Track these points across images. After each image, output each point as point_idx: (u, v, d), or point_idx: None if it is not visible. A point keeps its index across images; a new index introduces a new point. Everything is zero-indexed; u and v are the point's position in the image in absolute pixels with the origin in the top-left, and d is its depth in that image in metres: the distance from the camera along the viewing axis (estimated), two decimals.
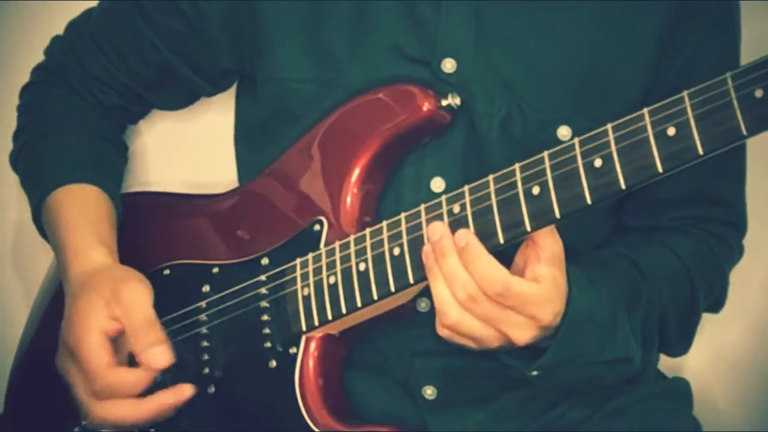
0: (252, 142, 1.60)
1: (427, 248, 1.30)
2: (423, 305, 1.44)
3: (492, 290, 1.26)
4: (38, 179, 1.59)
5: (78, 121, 1.63)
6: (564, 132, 1.42)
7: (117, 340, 1.42)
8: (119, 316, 1.40)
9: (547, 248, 1.28)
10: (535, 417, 1.51)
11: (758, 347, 1.74)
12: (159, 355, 1.39)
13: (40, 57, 1.69)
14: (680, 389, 1.59)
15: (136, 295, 1.41)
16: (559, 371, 1.36)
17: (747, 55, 1.46)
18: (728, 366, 1.76)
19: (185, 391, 1.41)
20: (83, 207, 1.53)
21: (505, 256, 1.31)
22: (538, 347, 1.33)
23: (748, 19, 1.49)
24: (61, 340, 1.45)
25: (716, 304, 1.55)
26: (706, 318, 1.54)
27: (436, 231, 1.30)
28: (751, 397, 1.74)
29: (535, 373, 1.35)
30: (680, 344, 1.53)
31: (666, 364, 1.58)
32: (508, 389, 1.49)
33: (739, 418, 1.74)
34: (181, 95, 1.67)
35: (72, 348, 1.41)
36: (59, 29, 1.68)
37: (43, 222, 1.58)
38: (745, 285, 1.57)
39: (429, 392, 1.48)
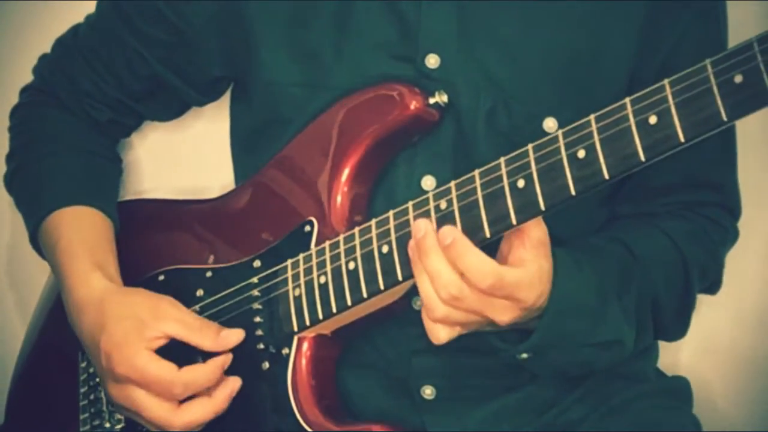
0: (246, 147, 1.60)
1: (412, 243, 1.30)
2: (419, 303, 1.42)
3: (484, 284, 1.26)
4: (34, 203, 1.60)
5: (71, 139, 1.63)
6: (550, 124, 1.42)
7: None
8: (167, 329, 1.44)
9: (533, 236, 1.28)
10: (534, 416, 1.50)
11: (758, 347, 1.73)
12: (231, 335, 1.44)
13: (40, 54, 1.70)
14: (680, 387, 1.58)
15: (176, 306, 1.46)
16: (549, 354, 1.35)
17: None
18: (728, 366, 1.75)
19: (238, 380, 1.45)
20: (79, 231, 1.55)
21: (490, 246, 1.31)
22: (527, 331, 1.33)
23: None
24: (108, 376, 1.45)
25: (712, 286, 1.54)
26: (706, 317, 1.54)
27: (420, 228, 1.29)
28: (751, 396, 1.74)
29: (525, 356, 1.35)
30: (676, 328, 1.52)
31: (665, 363, 1.58)
32: (508, 389, 1.49)
33: (739, 418, 1.74)
34: (172, 106, 1.67)
35: (131, 376, 1.43)
36: (57, 34, 1.68)
37: (41, 246, 1.59)
38: (745, 285, 1.56)
39: (428, 392, 1.48)
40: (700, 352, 1.69)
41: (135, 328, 1.44)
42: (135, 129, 1.73)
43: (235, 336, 1.45)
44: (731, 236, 1.55)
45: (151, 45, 1.58)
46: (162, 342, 1.44)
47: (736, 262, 1.55)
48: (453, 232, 1.27)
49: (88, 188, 1.60)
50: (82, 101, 1.64)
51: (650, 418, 1.50)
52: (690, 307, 1.50)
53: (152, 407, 1.43)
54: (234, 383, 1.44)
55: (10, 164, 1.66)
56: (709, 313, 1.56)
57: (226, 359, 1.44)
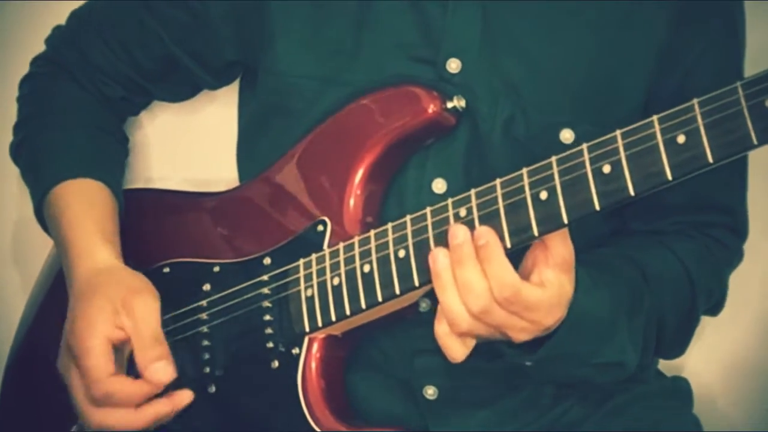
0: (251, 137, 1.60)
1: (435, 253, 1.29)
2: (424, 305, 1.44)
3: (500, 294, 1.26)
4: (40, 173, 1.58)
5: (81, 114, 1.62)
6: (567, 135, 1.42)
7: (118, 347, 1.42)
8: (126, 326, 1.41)
9: (558, 254, 1.28)
10: (535, 417, 1.51)
11: (758, 347, 1.75)
12: (161, 371, 1.40)
13: (40, 48, 1.68)
14: (680, 388, 1.60)
15: (147, 309, 1.42)
16: (551, 366, 1.36)
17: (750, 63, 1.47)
18: (728, 366, 1.76)
19: (183, 398, 1.42)
20: (87, 204, 1.52)
21: (513, 256, 1.30)
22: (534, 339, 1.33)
23: (754, 26, 1.50)
24: (63, 342, 1.44)
25: (715, 307, 1.55)
26: (707, 319, 1.54)
27: (459, 235, 1.27)
28: (751, 397, 1.75)
29: (528, 363, 1.36)
30: (676, 348, 1.53)
31: (666, 363, 1.58)
32: (509, 389, 1.50)
33: (739, 418, 1.75)
34: (184, 87, 1.66)
35: (75, 352, 1.41)
36: (61, 21, 1.67)
37: (45, 217, 1.57)
38: (744, 286, 1.57)
39: (430, 392, 1.48)
40: (700, 352, 1.70)
41: (106, 311, 1.41)
42: (144, 107, 1.72)
43: (164, 374, 1.39)
44: (736, 258, 1.56)
45: (169, 26, 1.57)
46: (121, 335, 1.41)
47: (740, 266, 1.57)
48: (488, 234, 1.26)
49: (96, 163, 1.58)
50: (95, 77, 1.62)
51: (651, 419, 1.51)
52: (692, 329, 1.52)
53: (78, 391, 1.41)
54: (163, 406, 1.41)
55: (18, 134, 1.64)
56: (711, 318, 1.57)
57: (153, 389, 1.40)
